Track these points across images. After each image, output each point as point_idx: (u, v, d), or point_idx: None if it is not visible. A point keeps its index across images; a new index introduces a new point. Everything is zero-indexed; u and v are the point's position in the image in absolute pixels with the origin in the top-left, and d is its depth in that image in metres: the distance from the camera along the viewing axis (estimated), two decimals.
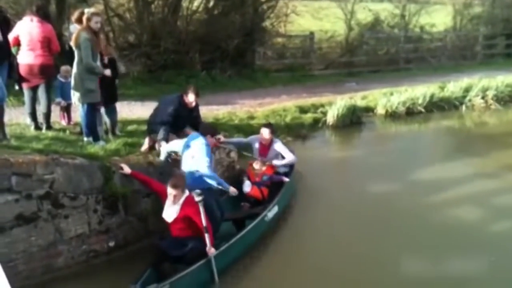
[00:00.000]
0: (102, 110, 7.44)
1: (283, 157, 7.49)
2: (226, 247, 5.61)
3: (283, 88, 14.04)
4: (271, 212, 6.56)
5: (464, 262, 5.77)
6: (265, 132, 7.30)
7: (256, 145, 7.46)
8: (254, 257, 6.00)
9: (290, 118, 11.19)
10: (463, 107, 13.56)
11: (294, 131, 10.71)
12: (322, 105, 12.22)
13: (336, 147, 10.98)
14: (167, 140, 6.75)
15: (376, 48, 18.70)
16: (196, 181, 5.87)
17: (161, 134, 6.76)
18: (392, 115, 12.55)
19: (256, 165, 7.22)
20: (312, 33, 16.61)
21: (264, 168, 7.18)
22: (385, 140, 10.98)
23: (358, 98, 12.95)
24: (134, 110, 9.50)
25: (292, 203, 7.44)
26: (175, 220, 5.38)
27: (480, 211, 7.27)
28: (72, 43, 6.62)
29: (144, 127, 7.65)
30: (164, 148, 6.61)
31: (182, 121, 7.12)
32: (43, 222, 5.36)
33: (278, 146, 7.46)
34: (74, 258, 5.65)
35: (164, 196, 5.45)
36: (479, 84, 14.12)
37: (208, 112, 10.77)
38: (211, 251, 5.27)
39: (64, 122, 8.03)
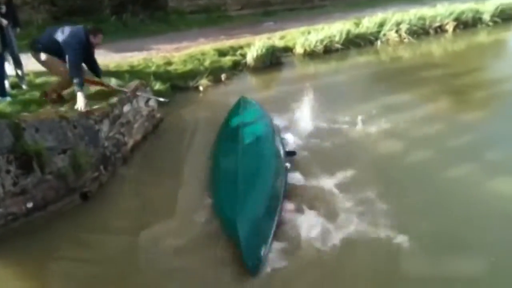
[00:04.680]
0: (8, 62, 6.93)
1: None
2: None
3: (199, 30, 13.65)
4: None
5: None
6: None
7: None
8: None
9: (209, 62, 10.90)
10: (378, 42, 13.80)
11: (214, 75, 10.46)
12: (241, 47, 12.01)
13: (259, 89, 10.86)
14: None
15: None
16: None
17: (77, 78, 6.35)
18: (311, 54, 12.56)
19: None
20: None
21: None
22: (307, 79, 10.90)
23: (277, 38, 12.83)
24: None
25: None
26: None
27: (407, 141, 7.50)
28: None
29: (53, 78, 7.18)
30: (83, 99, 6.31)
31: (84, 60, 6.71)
32: None
33: None
34: None
35: None
36: (392, 19, 14.34)
37: (122, 60, 10.33)
38: None
39: None
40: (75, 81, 6.34)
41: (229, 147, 6.39)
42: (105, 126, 6.56)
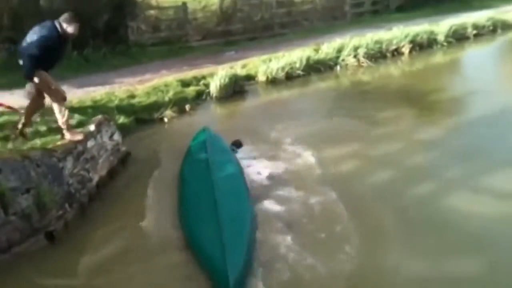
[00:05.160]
0: None
1: None
2: None
3: (161, 62, 13.69)
4: None
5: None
6: None
7: None
8: None
9: (173, 93, 10.91)
10: (338, 67, 14.05)
11: (179, 106, 10.50)
12: (204, 77, 12.09)
13: (223, 118, 10.95)
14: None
15: (250, 15, 18.75)
16: None
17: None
18: (273, 81, 12.72)
19: None
20: (184, 4, 16.27)
21: None
22: (270, 106, 11.08)
23: (239, 67, 12.96)
24: (3, 101, 8.75)
25: None
26: None
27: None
28: None
29: (16, 117, 7.11)
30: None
31: (55, 56, 6.46)
32: None
33: None
34: None
35: None
36: (350, 44, 14.63)
37: (85, 95, 10.28)
38: None
39: None
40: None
41: (200, 182, 6.36)
42: (69, 163, 6.50)
